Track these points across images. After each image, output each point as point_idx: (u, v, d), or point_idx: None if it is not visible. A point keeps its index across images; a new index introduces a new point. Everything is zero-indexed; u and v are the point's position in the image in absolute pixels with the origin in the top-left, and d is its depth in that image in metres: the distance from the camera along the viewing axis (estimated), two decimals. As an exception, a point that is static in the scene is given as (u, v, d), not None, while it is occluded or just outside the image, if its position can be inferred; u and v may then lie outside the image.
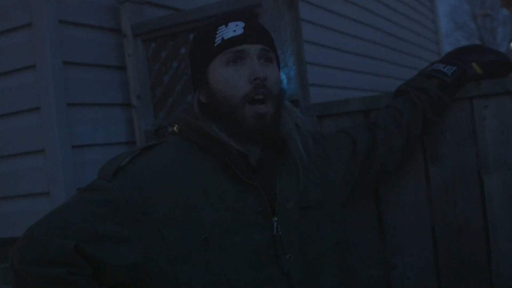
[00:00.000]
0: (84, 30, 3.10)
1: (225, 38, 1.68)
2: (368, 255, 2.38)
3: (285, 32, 2.56)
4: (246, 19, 1.73)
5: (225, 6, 2.77)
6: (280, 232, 1.67)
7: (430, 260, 2.28)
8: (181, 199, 1.63)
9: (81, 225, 1.59)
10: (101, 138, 3.11)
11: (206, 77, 1.71)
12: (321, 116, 2.49)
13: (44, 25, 2.88)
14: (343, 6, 6.09)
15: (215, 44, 1.68)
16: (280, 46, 2.52)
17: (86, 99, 3.07)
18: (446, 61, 2.17)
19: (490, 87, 2.14)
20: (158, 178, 1.65)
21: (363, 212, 2.36)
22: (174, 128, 1.77)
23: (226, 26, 1.70)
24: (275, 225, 1.68)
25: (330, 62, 5.53)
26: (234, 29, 1.69)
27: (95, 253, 1.57)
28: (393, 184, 2.30)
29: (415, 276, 2.29)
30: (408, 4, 8.74)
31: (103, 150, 3.08)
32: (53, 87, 2.87)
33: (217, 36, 1.69)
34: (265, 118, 1.67)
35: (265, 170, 1.72)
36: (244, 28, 1.69)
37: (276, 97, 1.71)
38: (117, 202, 1.60)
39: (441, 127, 2.22)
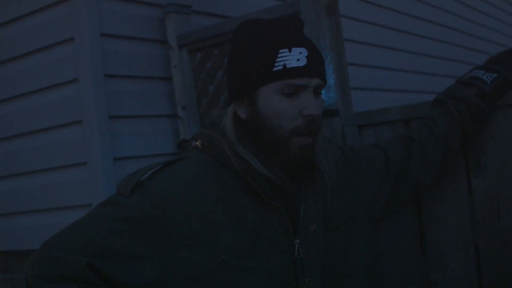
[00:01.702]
0: (127, 42, 3.16)
1: (287, 66, 1.59)
2: (408, 269, 2.33)
3: (324, 39, 2.54)
4: (309, 46, 1.65)
5: (265, 15, 2.78)
6: (301, 255, 1.65)
7: (473, 276, 2.20)
8: (201, 218, 1.61)
9: (96, 241, 1.60)
10: (146, 149, 3.16)
11: (254, 97, 1.64)
12: (361, 125, 2.45)
13: (86, 39, 2.95)
14: (415, 5, 6.01)
15: (275, 69, 1.60)
16: (319, 54, 2.52)
17: (129, 111, 3.13)
18: (487, 67, 2.07)
19: (534, 93, 2.07)
20: (178, 196, 1.63)
21: (404, 224, 2.32)
22: (197, 143, 1.75)
23: (290, 51, 1.61)
24: (296, 248, 1.65)
25: (408, 66, 5.45)
26: (298, 57, 1.60)
27: (109, 271, 1.58)
28: (435, 195, 2.24)
29: (457, 293, 2.24)
30: (494, 3, 8.50)
31: (148, 162, 3.10)
32: (94, 100, 2.94)
33: (278, 60, 1.60)
34: (308, 150, 1.64)
35: (289, 190, 1.68)
36: (307, 58, 1.61)
37: (320, 129, 1.68)
38: (133, 219, 1.60)
39: (483, 135, 2.14)
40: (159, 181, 1.68)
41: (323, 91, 2.45)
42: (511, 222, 2.12)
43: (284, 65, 1.60)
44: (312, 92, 1.63)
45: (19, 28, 3.29)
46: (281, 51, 1.61)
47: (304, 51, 1.62)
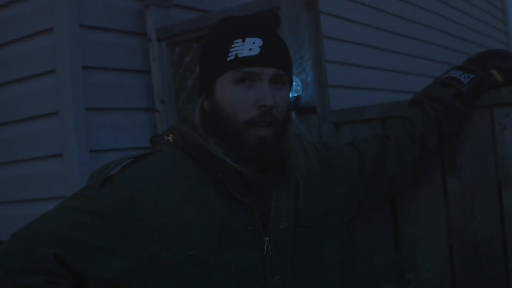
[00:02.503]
0: (107, 34, 3.12)
1: (239, 55, 1.60)
2: (383, 269, 2.32)
3: (303, 36, 2.52)
4: (265, 36, 1.65)
5: (246, 10, 2.75)
6: (270, 253, 1.63)
7: (446, 276, 2.20)
8: (170, 213, 1.60)
9: (64, 233, 1.58)
10: (123, 142, 3.13)
11: (213, 89, 1.65)
12: (338, 123, 2.44)
13: (65, 30, 2.91)
14: (401, 6, 6.00)
15: (228, 59, 1.61)
16: (298, 50, 2.49)
17: (107, 104, 3.09)
18: (464, 68, 2.06)
19: (511, 94, 2.05)
20: (147, 190, 1.62)
21: (378, 224, 2.31)
22: (169, 137, 1.74)
23: (243, 41, 1.62)
24: (266, 245, 1.64)
25: (387, 65, 5.45)
26: (251, 47, 1.61)
27: (76, 263, 1.57)
28: (410, 195, 2.23)
29: (430, 293, 2.23)
30: (476, 4, 8.53)
31: (124, 155, 3.05)
32: (72, 91, 2.90)
33: (231, 50, 1.61)
34: (266, 142, 1.62)
35: (260, 188, 1.67)
36: (261, 47, 1.61)
37: (281, 122, 1.65)
38: (102, 213, 1.59)
39: (460, 136, 2.14)
40: (129, 175, 1.66)
41: (299, 88, 2.45)
42: (485, 223, 2.12)
43: (236, 55, 1.61)
44: (267, 82, 1.62)
45: (-3, 18, 3.24)
46: (235, 41, 1.63)
47: (258, 41, 1.62)
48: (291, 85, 1.75)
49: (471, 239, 2.14)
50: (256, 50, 1.61)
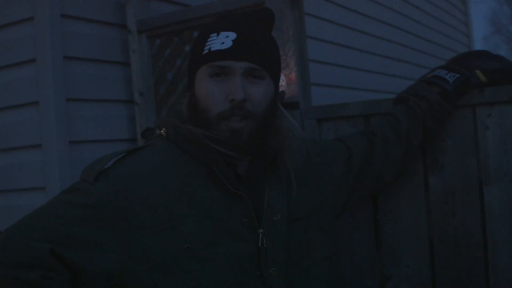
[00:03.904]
0: (88, 25, 3.07)
1: (211, 49, 1.60)
2: (363, 264, 2.33)
3: (288, 32, 2.52)
4: (241, 30, 1.63)
5: (229, 4, 2.74)
6: (265, 245, 1.61)
7: (426, 272, 2.21)
8: (164, 207, 1.57)
9: (59, 228, 1.55)
10: (102, 134, 3.09)
11: (193, 82, 1.66)
12: (320, 119, 2.44)
13: (46, 18, 2.85)
14: (368, 6, 6.02)
15: (203, 53, 1.62)
16: (282, 46, 2.48)
17: (87, 95, 3.05)
18: (449, 67, 2.09)
19: (494, 94, 2.06)
20: (142, 184, 1.60)
21: (359, 220, 2.32)
22: (162, 131, 1.72)
23: (217, 35, 1.62)
24: (260, 237, 1.62)
25: (352, 62, 5.48)
26: (223, 40, 1.60)
27: (72, 258, 1.53)
28: (391, 192, 2.24)
29: (410, 288, 2.24)
30: (440, 6, 8.62)
31: (103, 146, 3.05)
32: (52, 81, 2.85)
33: (206, 44, 1.62)
34: (241, 134, 1.60)
35: (253, 180, 1.65)
36: (233, 41, 1.60)
37: (261, 116, 1.63)
38: (97, 206, 1.56)
39: (442, 134, 2.15)
40: (123, 169, 1.63)
41: (283, 83, 2.44)
42: (466, 219, 2.14)
43: (209, 49, 1.61)
44: (239, 75, 1.60)
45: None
46: (211, 35, 1.63)
47: (232, 35, 1.62)
48: (276, 79, 1.72)
49: (452, 234, 2.16)
50: (228, 44, 1.60)
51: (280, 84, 2.38)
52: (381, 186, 2.08)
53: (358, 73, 5.63)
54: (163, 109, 3.09)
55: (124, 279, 1.56)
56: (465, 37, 10.31)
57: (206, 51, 1.61)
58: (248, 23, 1.67)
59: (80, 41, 3.03)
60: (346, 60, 5.34)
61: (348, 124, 2.36)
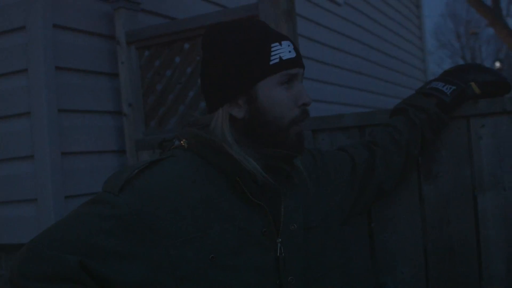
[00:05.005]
0: (78, 36, 3.04)
1: (283, 58, 1.61)
2: (358, 271, 2.34)
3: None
4: (291, 39, 1.69)
5: (223, 16, 2.74)
6: (283, 254, 1.63)
7: (421, 279, 2.23)
8: (189, 217, 1.56)
9: (87, 240, 1.52)
10: (91, 145, 3.05)
11: (253, 93, 1.62)
12: (316, 130, 2.45)
13: (39, 28, 2.82)
14: (330, 19, 6.09)
15: (271, 62, 1.60)
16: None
17: (78, 106, 3.01)
18: (445, 80, 2.13)
19: (487, 106, 2.11)
20: (166, 194, 1.58)
21: (354, 228, 2.33)
22: (182, 142, 1.70)
23: (280, 44, 1.63)
24: (279, 247, 1.63)
25: (315, 75, 5.54)
26: (289, 49, 1.63)
27: (100, 270, 1.50)
28: (386, 200, 2.25)
29: (405, 295, 2.26)
30: (397, 20, 8.77)
31: (93, 158, 3.02)
32: (45, 92, 2.81)
33: (273, 53, 1.61)
34: (302, 135, 1.66)
35: (271, 190, 1.67)
36: (295, 50, 1.65)
37: None
38: (124, 217, 1.53)
39: (437, 144, 2.19)
40: (148, 179, 1.61)
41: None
42: (459, 228, 2.17)
43: (280, 57, 1.61)
44: (301, 81, 1.67)
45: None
46: (273, 45, 1.63)
47: (291, 44, 1.66)
48: None
49: (446, 242, 2.19)
50: (294, 53, 1.64)
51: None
52: (381, 195, 2.10)
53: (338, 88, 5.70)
54: (152, 120, 3.07)
55: None
56: (419, 51, 10.49)
57: (275, 60, 1.61)
58: None
59: (72, 52, 3.00)
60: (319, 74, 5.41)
61: (343, 135, 2.38)
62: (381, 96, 7.25)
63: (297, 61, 1.64)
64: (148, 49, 3.06)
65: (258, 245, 1.61)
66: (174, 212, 1.56)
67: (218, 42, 1.69)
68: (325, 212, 1.81)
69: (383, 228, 2.29)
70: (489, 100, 2.11)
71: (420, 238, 2.24)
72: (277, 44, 1.62)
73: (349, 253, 1.91)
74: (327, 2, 6.08)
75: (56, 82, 2.87)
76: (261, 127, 1.63)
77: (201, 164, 1.65)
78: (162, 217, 1.55)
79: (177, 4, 3.58)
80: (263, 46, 1.62)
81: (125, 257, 1.53)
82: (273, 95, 1.62)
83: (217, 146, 1.62)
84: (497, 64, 29.97)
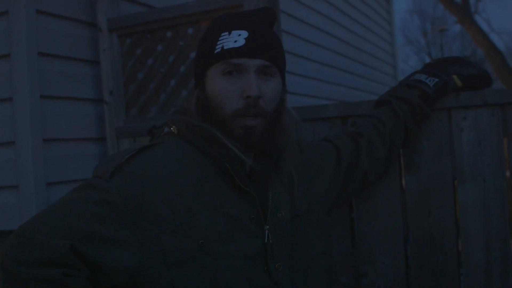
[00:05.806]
0: (61, 22, 2.99)
1: (224, 47, 1.59)
2: (339, 261, 2.34)
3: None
4: (251, 28, 1.63)
5: (205, 5, 2.71)
6: (271, 241, 1.63)
7: (401, 268, 2.25)
8: (179, 203, 1.56)
9: (78, 225, 1.50)
10: (72, 132, 3.01)
11: (204, 81, 1.64)
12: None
13: (21, 13, 2.76)
14: (304, 12, 6.09)
15: (215, 51, 1.61)
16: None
17: (60, 92, 2.95)
18: (428, 72, 2.15)
19: (469, 98, 2.13)
20: (157, 180, 1.57)
21: (335, 217, 2.33)
22: (172, 128, 1.70)
23: (229, 33, 1.61)
24: (266, 233, 1.63)
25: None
26: (236, 39, 1.60)
27: (92, 255, 1.49)
28: (367, 191, 2.26)
29: (385, 285, 2.26)
30: (367, 14, 8.79)
31: (74, 145, 2.98)
32: (27, 78, 2.75)
33: (218, 43, 1.61)
34: (254, 131, 1.60)
35: (258, 177, 1.66)
36: (246, 39, 1.60)
37: (271, 113, 1.63)
38: (115, 203, 1.52)
39: (418, 136, 2.20)
40: (138, 165, 1.60)
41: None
42: (440, 218, 2.19)
43: (222, 47, 1.61)
44: (253, 73, 1.60)
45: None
46: (222, 34, 1.63)
47: (244, 33, 1.62)
48: (283, 77, 1.73)
49: (426, 232, 2.21)
50: (241, 42, 1.60)
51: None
52: (365, 185, 2.11)
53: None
54: (133, 108, 3.03)
55: (143, 276, 1.54)
56: (389, 46, 10.53)
57: (218, 49, 1.61)
58: (257, 22, 1.67)
59: (55, 38, 2.95)
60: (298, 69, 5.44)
61: (325, 125, 2.38)
62: (354, 91, 7.28)
63: (242, 51, 1.60)
64: (130, 36, 3.02)
65: (246, 232, 1.60)
66: (164, 198, 1.55)
67: (204, 31, 1.73)
68: (310, 201, 1.82)
69: (364, 218, 2.30)
70: (470, 93, 2.14)
71: (401, 228, 2.25)
72: (225, 33, 1.62)
73: (332, 243, 1.90)
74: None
75: (39, 68, 2.82)
76: (209, 115, 1.62)
77: (191, 150, 1.64)
78: (153, 203, 1.54)
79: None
80: (215, 35, 1.64)
81: (116, 242, 1.52)
82: (214, 84, 1.61)
83: (207, 133, 1.62)
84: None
